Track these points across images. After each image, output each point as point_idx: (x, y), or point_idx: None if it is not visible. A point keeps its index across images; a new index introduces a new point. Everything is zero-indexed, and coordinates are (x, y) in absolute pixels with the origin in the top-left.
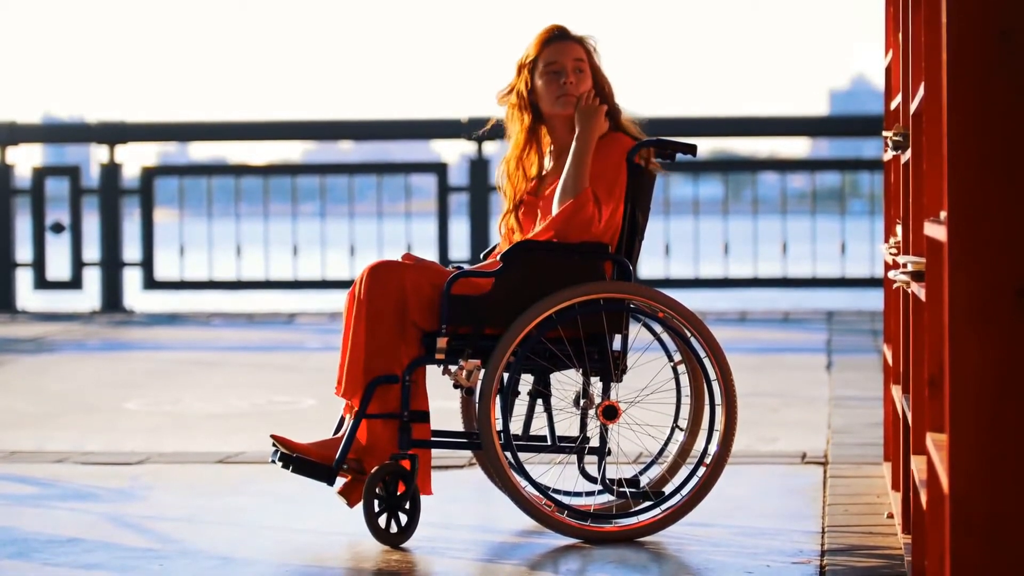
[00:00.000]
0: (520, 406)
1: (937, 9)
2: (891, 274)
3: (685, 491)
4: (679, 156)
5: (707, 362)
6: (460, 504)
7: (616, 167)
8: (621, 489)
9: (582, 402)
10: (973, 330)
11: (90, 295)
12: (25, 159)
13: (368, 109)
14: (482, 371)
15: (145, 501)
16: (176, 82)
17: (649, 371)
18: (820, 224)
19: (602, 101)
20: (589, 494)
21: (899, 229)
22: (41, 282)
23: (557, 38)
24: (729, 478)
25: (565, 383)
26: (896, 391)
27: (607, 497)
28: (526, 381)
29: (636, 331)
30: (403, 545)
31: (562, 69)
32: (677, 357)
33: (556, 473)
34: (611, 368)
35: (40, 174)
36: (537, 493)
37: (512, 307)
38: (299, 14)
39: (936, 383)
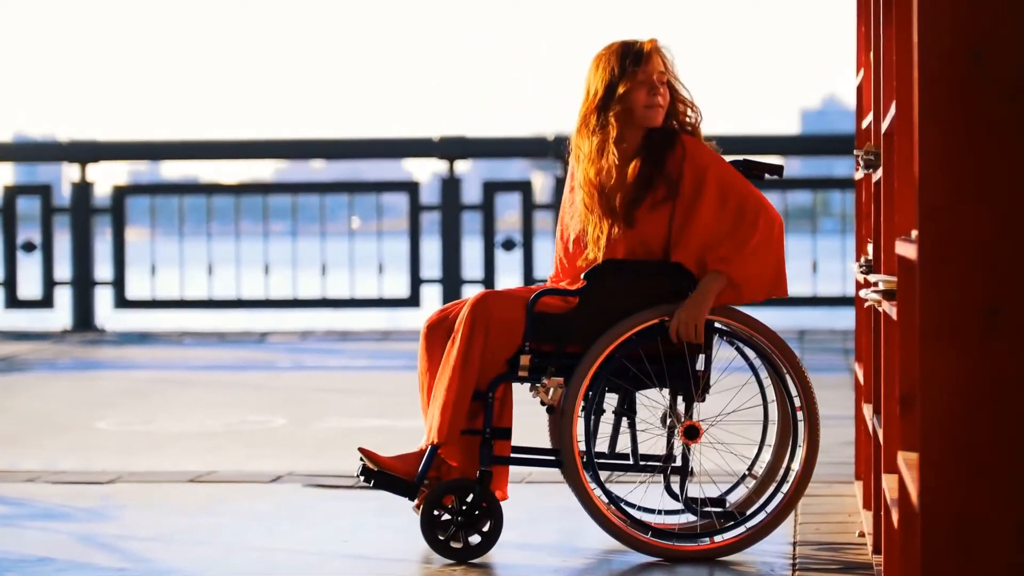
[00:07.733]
0: (606, 425)
1: (908, 29)
2: (862, 293)
3: (769, 510)
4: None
5: (788, 379)
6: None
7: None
8: (705, 509)
9: (668, 421)
10: (944, 349)
11: (61, 314)
12: None
13: (339, 128)
14: (564, 389)
15: (117, 520)
16: (148, 101)
17: (742, 391)
18: (791, 243)
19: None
20: (672, 512)
21: (870, 248)
22: (12, 301)
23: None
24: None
25: (657, 402)
26: (867, 410)
27: (690, 517)
28: (612, 400)
29: (720, 350)
30: (475, 561)
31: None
32: (763, 374)
33: (641, 492)
34: (693, 388)
35: (11, 193)
36: (616, 510)
37: (595, 326)
38: (271, 34)
39: (907, 402)
